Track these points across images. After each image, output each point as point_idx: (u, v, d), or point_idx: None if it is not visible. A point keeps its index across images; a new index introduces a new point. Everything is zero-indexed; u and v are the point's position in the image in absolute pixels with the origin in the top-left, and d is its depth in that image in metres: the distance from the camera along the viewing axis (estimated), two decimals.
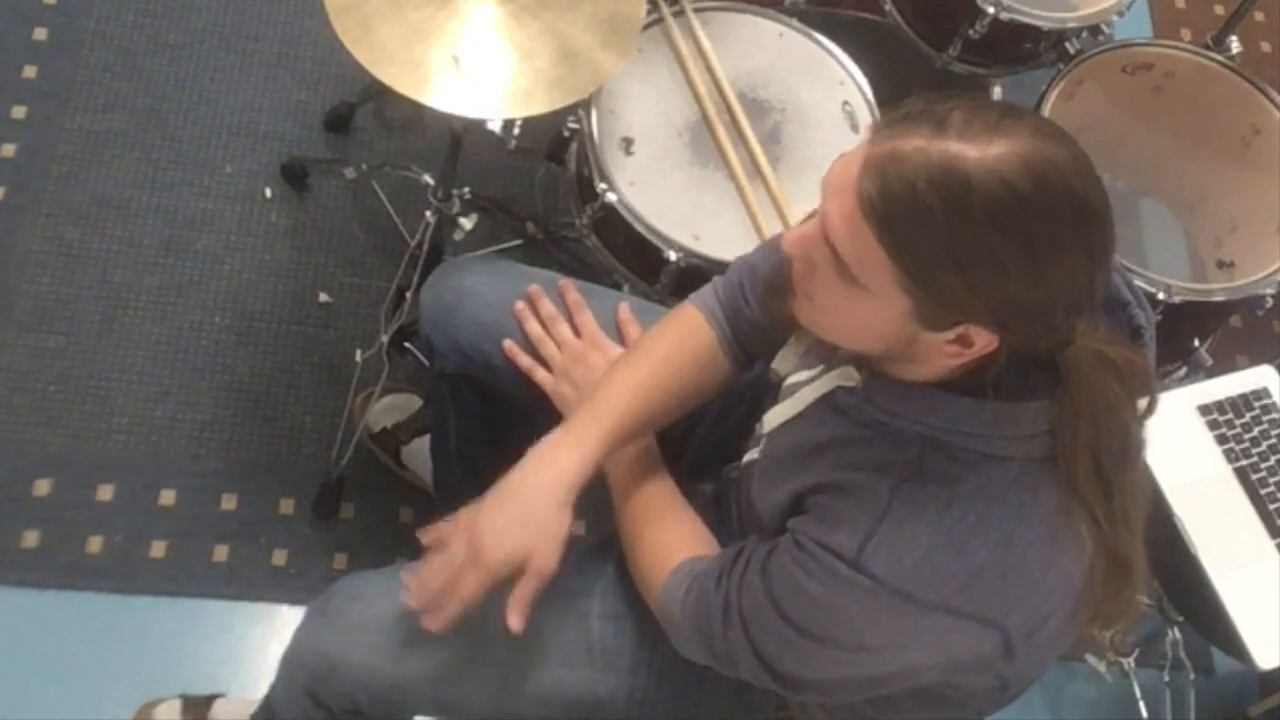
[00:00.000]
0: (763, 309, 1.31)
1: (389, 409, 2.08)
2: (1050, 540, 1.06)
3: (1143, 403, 1.06)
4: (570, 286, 1.52)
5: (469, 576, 1.24)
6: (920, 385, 1.07)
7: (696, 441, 1.49)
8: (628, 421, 1.31)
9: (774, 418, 1.25)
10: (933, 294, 0.97)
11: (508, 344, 1.50)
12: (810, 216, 1.07)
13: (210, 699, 1.79)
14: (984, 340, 1.00)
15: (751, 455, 1.30)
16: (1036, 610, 1.08)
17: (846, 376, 1.13)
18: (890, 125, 0.98)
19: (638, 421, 1.32)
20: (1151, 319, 1.14)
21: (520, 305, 1.51)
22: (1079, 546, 1.06)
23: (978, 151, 0.94)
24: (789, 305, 1.12)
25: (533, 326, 1.50)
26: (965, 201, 0.93)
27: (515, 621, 1.24)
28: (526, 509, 1.25)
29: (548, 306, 1.50)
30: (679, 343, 1.37)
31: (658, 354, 1.36)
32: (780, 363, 1.30)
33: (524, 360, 1.49)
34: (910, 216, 0.95)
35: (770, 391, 1.31)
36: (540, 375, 1.48)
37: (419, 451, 2.02)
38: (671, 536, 1.31)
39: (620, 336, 1.50)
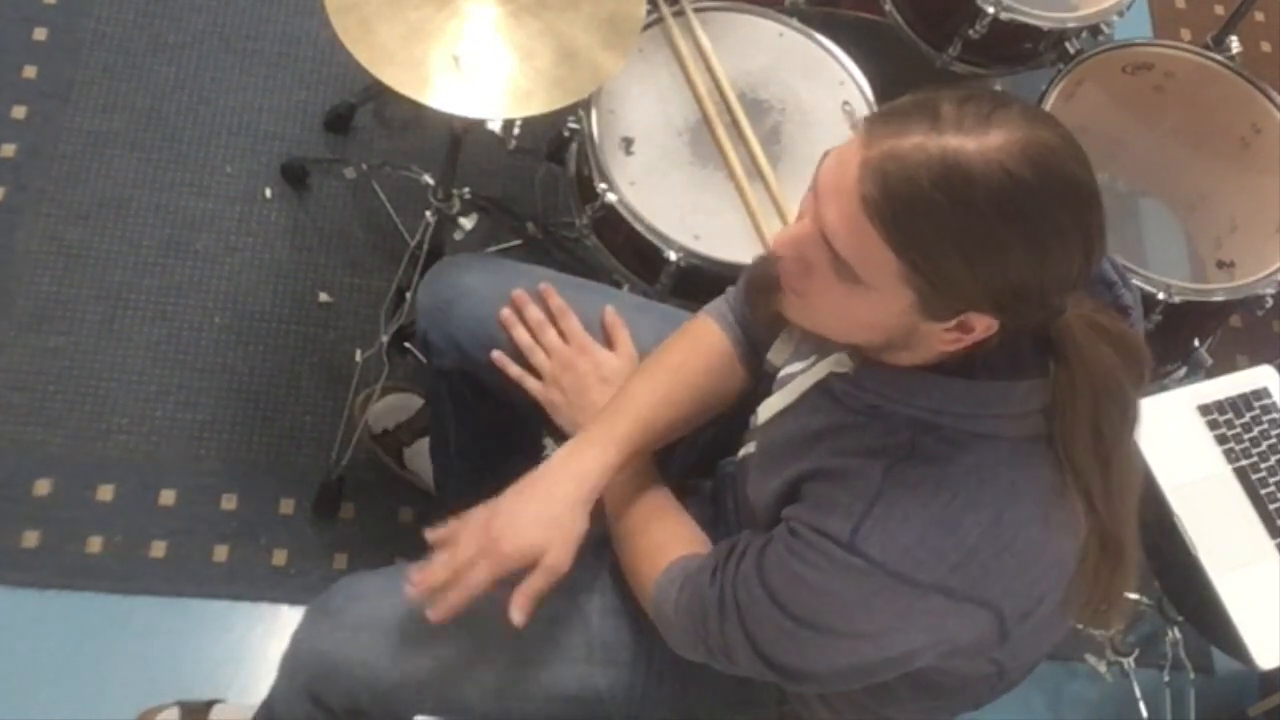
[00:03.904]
0: (750, 306, 1.31)
1: (390, 409, 2.07)
2: (1043, 520, 1.06)
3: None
4: (552, 291, 1.51)
5: (479, 566, 1.24)
6: (912, 369, 1.08)
7: (692, 437, 1.49)
8: (646, 430, 1.32)
9: (768, 408, 1.26)
10: (939, 286, 0.99)
11: (496, 354, 1.49)
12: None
13: (208, 705, 1.79)
14: (984, 325, 1.01)
15: (747, 449, 1.30)
16: (1030, 591, 1.08)
17: (839, 363, 1.14)
18: (885, 123, 0.99)
19: (656, 430, 1.33)
20: (1138, 298, 1.16)
21: (506, 312, 1.49)
22: (1073, 528, 1.07)
23: (976, 143, 0.95)
24: (775, 302, 1.13)
25: (520, 334, 1.49)
26: (969, 193, 0.95)
27: (518, 615, 1.24)
28: (545, 505, 1.26)
29: (534, 313, 1.49)
30: (694, 352, 1.38)
31: (673, 363, 1.37)
32: (775, 354, 1.30)
33: (513, 370, 1.49)
34: (916, 213, 0.96)
35: (765, 384, 1.31)
36: (530, 384, 1.47)
37: (421, 453, 2.01)
38: (664, 536, 1.32)
39: (607, 339, 1.50)
